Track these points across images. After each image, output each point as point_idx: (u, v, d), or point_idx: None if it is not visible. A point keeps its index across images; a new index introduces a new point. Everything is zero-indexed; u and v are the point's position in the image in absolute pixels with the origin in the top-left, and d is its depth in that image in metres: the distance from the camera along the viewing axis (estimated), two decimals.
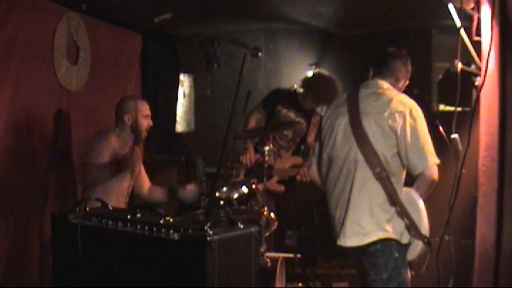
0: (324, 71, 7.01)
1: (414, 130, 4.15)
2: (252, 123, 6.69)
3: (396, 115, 4.19)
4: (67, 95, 6.09)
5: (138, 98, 5.51)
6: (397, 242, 4.22)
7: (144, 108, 5.41)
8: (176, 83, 8.51)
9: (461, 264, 4.58)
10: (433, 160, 4.14)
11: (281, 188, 6.55)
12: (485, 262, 4.13)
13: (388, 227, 4.20)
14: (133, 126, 5.32)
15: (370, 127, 4.26)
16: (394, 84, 4.45)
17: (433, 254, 4.26)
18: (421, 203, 4.20)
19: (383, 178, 4.19)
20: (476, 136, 4.24)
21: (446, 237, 4.30)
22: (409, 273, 4.30)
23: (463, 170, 4.15)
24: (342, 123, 4.42)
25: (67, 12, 6.01)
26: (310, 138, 6.64)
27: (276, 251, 6.05)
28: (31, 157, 5.63)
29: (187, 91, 8.85)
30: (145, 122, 5.38)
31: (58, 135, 5.98)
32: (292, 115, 6.64)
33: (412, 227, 4.17)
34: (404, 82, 4.52)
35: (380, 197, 4.22)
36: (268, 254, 5.37)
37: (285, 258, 5.65)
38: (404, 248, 4.24)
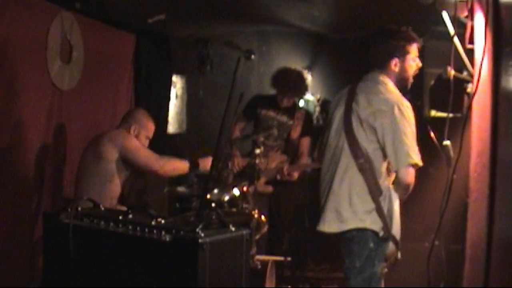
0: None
1: (393, 128, 4.16)
2: (237, 133, 6.75)
3: (377, 113, 4.22)
4: (59, 94, 6.09)
5: (151, 118, 5.60)
6: (374, 233, 4.25)
7: (151, 130, 5.58)
8: (168, 84, 8.51)
9: (451, 269, 4.60)
10: (408, 160, 4.12)
11: (269, 189, 6.57)
12: (475, 268, 4.15)
13: (367, 218, 4.24)
14: None
15: (355, 120, 4.31)
16: (389, 72, 4.41)
17: (423, 259, 4.28)
18: (396, 204, 4.26)
19: (365, 170, 4.23)
20: (468, 143, 4.25)
21: (437, 242, 4.32)
22: (384, 268, 4.34)
23: (454, 176, 4.17)
24: (339, 114, 4.47)
25: (61, 11, 6.00)
26: (295, 134, 6.72)
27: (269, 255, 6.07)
28: (23, 156, 5.63)
29: (179, 92, 8.84)
30: (145, 143, 5.52)
31: (50, 134, 5.97)
32: (271, 113, 6.72)
33: (383, 224, 4.22)
34: (405, 62, 4.41)
35: (360, 187, 4.26)
36: (258, 256, 5.39)
37: (275, 261, 5.66)
38: (380, 241, 4.27)
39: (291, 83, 6.65)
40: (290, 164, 6.62)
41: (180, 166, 5.38)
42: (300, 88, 6.70)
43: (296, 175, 6.50)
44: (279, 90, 6.69)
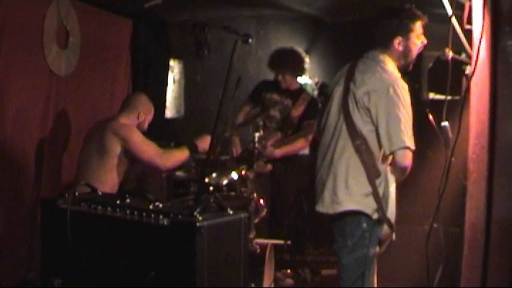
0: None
1: (388, 110, 4.13)
2: (240, 118, 6.73)
3: (371, 93, 4.18)
4: (56, 79, 6.07)
5: (151, 103, 5.65)
6: (367, 215, 4.24)
7: (152, 114, 5.61)
8: (166, 68, 8.50)
9: (450, 252, 4.59)
10: (401, 143, 4.09)
11: (269, 167, 6.52)
12: (474, 250, 4.15)
13: (362, 200, 4.23)
14: (139, 126, 5.46)
15: (351, 100, 4.28)
16: (393, 51, 4.37)
17: (422, 242, 4.27)
18: (392, 187, 4.24)
19: (362, 152, 4.20)
20: (466, 124, 4.24)
21: (435, 225, 4.31)
22: (376, 250, 4.34)
23: (453, 158, 4.15)
24: (338, 92, 4.44)
25: None
26: (296, 112, 6.64)
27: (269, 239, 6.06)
28: (21, 142, 5.62)
29: (177, 77, 8.83)
30: (145, 128, 5.56)
31: (48, 120, 5.96)
32: (275, 96, 6.69)
33: (378, 207, 4.20)
34: (409, 40, 4.36)
35: (357, 169, 4.24)
36: (257, 240, 5.38)
37: (274, 245, 5.66)
38: (373, 223, 4.25)
39: (282, 58, 6.69)
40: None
41: (181, 156, 5.40)
42: (290, 62, 6.65)
43: (278, 152, 6.42)
44: (272, 68, 6.73)
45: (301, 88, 6.91)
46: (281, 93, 6.68)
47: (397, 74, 4.31)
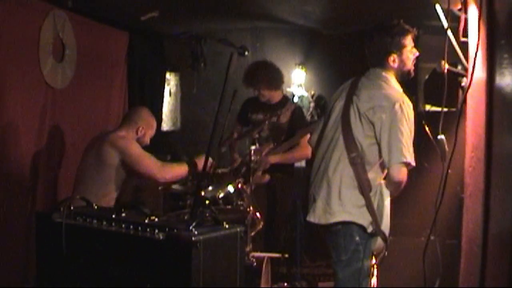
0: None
1: (391, 124, 4.15)
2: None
3: (377, 109, 4.21)
4: (52, 92, 6.07)
5: (154, 117, 5.61)
6: (360, 227, 4.24)
7: (154, 129, 5.58)
8: (162, 81, 8.51)
9: (447, 264, 4.58)
10: (401, 158, 4.12)
11: (266, 177, 6.50)
12: (471, 263, 4.13)
13: (355, 212, 4.24)
14: (138, 140, 5.41)
15: (353, 113, 4.30)
16: (388, 68, 4.39)
17: (418, 254, 4.26)
18: (387, 200, 4.25)
19: (357, 164, 4.23)
20: (462, 137, 4.23)
21: (432, 237, 4.30)
22: (370, 263, 4.35)
23: (449, 171, 4.15)
24: (339, 106, 4.46)
25: (53, 9, 5.98)
26: (284, 118, 6.56)
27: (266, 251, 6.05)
28: (16, 155, 5.60)
29: (173, 90, 8.83)
30: (147, 142, 5.51)
31: (43, 133, 5.95)
32: (261, 116, 6.65)
33: (372, 220, 4.21)
34: (403, 56, 4.39)
35: (350, 181, 4.26)
36: (253, 253, 5.36)
37: (271, 258, 5.64)
38: (367, 236, 4.26)
39: (254, 73, 6.62)
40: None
41: (180, 171, 5.37)
42: (262, 75, 6.56)
43: (271, 159, 6.41)
44: (246, 84, 6.66)
45: (285, 99, 6.81)
46: (265, 111, 6.63)
47: (401, 91, 4.35)
